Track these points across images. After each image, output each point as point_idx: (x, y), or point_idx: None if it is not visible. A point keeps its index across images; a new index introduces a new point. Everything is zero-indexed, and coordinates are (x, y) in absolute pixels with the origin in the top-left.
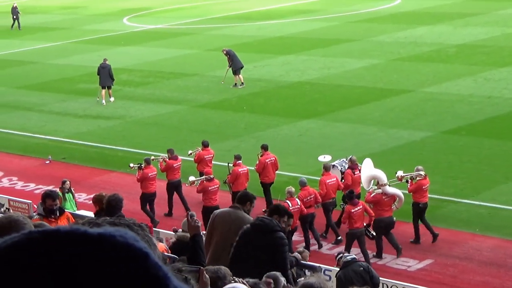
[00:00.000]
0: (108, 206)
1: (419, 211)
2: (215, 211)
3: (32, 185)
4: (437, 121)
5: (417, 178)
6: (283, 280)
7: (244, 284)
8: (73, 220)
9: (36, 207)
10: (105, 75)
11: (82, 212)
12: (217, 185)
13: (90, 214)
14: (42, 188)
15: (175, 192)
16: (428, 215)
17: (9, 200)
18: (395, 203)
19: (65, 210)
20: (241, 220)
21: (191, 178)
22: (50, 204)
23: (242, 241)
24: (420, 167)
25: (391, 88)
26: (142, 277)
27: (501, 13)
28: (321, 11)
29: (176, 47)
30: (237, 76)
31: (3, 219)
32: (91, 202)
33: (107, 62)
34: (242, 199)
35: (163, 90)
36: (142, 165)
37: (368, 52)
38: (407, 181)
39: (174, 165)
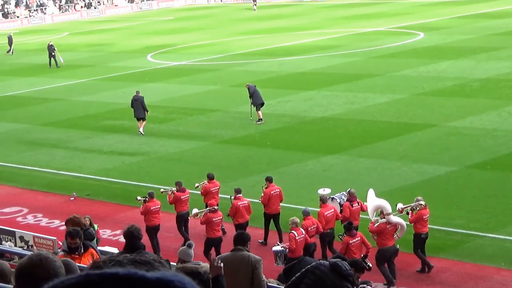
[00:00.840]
0: (130, 237)
1: (420, 242)
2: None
3: (56, 222)
4: (461, 156)
5: (417, 209)
6: None
7: None
8: (97, 256)
9: (61, 243)
10: (138, 107)
11: (106, 249)
12: (221, 217)
13: (115, 250)
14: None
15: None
16: (454, 250)
17: (34, 236)
18: (397, 232)
19: (89, 247)
20: (248, 259)
21: (195, 211)
22: (69, 242)
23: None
24: (420, 197)
25: (414, 122)
26: None
27: None
28: (342, 46)
29: (199, 83)
30: (259, 111)
31: (33, 257)
32: (115, 238)
33: (139, 94)
34: (244, 239)
35: (186, 126)
36: (147, 199)
37: (391, 87)
38: (407, 213)
39: (182, 197)
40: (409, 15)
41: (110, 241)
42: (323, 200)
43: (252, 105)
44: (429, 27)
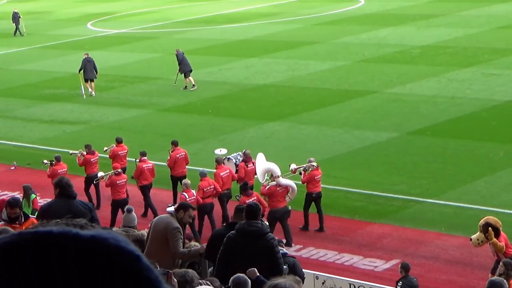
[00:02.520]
0: (60, 185)
1: (311, 200)
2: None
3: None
4: (402, 122)
5: (310, 169)
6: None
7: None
8: None
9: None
10: (91, 69)
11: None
12: (125, 179)
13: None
14: (7, 194)
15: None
16: (395, 215)
17: None
18: (289, 194)
19: (30, 216)
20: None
21: (100, 174)
22: (9, 212)
23: (229, 249)
24: (312, 158)
25: (355, 89)
26: (134, 279)
27: (463, 14)
28: (283, 14)
29: (140, 51)
30: (187, 78)
31: None
32: None
33: (90, 56)
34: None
35: (127, 95)
36: (53, 162)
37: (332, 54)
38: (300, 173)
39: (92, 159)
40: None
41: None
42: (218, 161)
43: (180, 73)
44: None
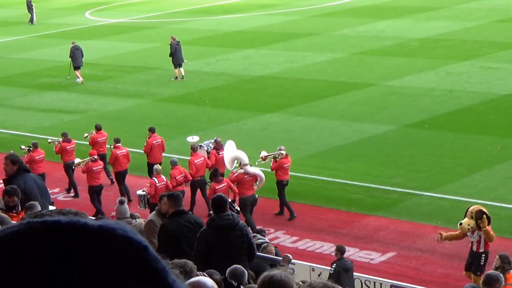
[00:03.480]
0: (15, 160)
1: (283, 187)
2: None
3: (57, 192)
4: (399, 115)
5: (279, 157)
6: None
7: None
8: None
9: None
10: (79, 56)
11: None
12: (101, 166)
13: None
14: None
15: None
16: (392, 208)
17: None
18: (257, 182)
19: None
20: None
21: (77, 160)
22: (7, 201)
23: (205, 244)
24: (282, 146)
25: (353, 82)
26: (141, 269)
27: (462, 7)
28: (281, 5)
29: (137, 41)
30: (176, 69)
31: None
32: (53, 196)
33: (77, 44)
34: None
35: (125, 84)
36: (31, 148)
37: (330, 46)
38: (271, 161)
39: (68, 147)
40: None
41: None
42: (193, 149)
43: (173, 63)
44: None
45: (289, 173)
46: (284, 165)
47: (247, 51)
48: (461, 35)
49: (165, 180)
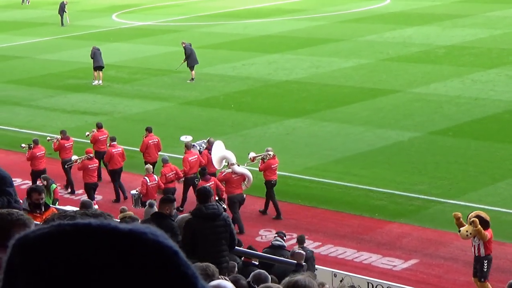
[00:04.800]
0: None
1: (271, 187)
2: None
3: (18, 180)
4: (424, 122)
5: (267, 158)
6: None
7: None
8: None
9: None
10: (100, 58)
11: (68, 208)
12: (97, 164)
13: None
14: (28, 183)
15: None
16: (415, 215)
17: None
18: (245, 182)
19: (50, 206)
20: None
21: (74, 157)
22: (36, 198)
23: (192, 233)
24: (269, 148)
25: (379, 88)
26: (172, 274)
27: (489, 15)
28: (308, 10)
29: (163, 44)
30: (193, 71)
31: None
32: (77, 198)
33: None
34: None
35: (150, 87)
36: (32, 145)
37: (357, 52)
38: (259, 162)
39: (66, 145)
40: None
41: (72, 200)
42: (187, 147)
43: (188, 66)
44: None
45: (277, 173)
46: (272, 166)
47: (273, 55)
48: (488, 43)
49: (156, 179)
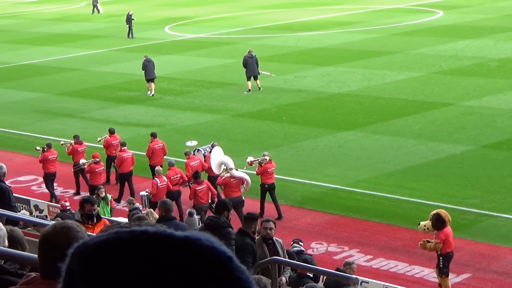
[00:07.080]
0: None
1: (265, 190)
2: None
3: (71, 191)
4: (477, 135)
5: (264, 163)
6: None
7: None
8: None
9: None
10: (152, 69)
11: (120, 220)
12: (102, 167)
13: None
14: (80, 194)
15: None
16: (467, 229)
17: (48, 205)
18: (244, 185)
19: (102, 217)
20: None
21: (82, 161)
22: (89, 209)
23: None
24: (266, 152)
25: (431, 101)
26: (226, 280)
27: None
28: (361, 23)
29: (216, 56)
30: (249, 82)
31: (57, 226)
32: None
33: (149, 57)
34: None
35: (203, 99)
36: (45, 149)
37: (409, 65)
38: (256, 166)
39: (79, 149)
40: None
41: (125, 211)
42: (187, 154)
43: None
44: (448, 6)
45: (274, 176)
46: (268, 170)
47: (325, 68)
48: None
49: (166, 181)
